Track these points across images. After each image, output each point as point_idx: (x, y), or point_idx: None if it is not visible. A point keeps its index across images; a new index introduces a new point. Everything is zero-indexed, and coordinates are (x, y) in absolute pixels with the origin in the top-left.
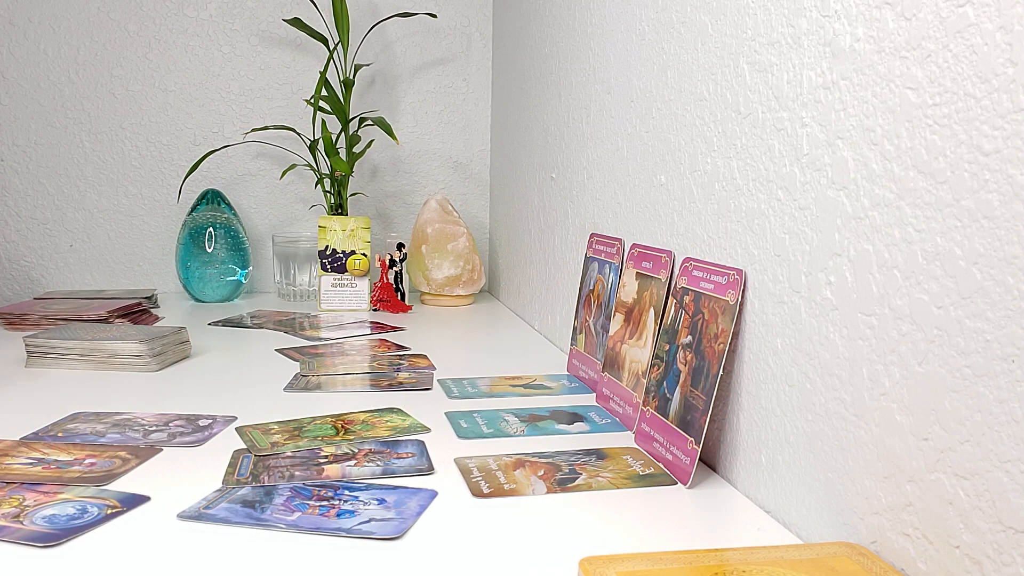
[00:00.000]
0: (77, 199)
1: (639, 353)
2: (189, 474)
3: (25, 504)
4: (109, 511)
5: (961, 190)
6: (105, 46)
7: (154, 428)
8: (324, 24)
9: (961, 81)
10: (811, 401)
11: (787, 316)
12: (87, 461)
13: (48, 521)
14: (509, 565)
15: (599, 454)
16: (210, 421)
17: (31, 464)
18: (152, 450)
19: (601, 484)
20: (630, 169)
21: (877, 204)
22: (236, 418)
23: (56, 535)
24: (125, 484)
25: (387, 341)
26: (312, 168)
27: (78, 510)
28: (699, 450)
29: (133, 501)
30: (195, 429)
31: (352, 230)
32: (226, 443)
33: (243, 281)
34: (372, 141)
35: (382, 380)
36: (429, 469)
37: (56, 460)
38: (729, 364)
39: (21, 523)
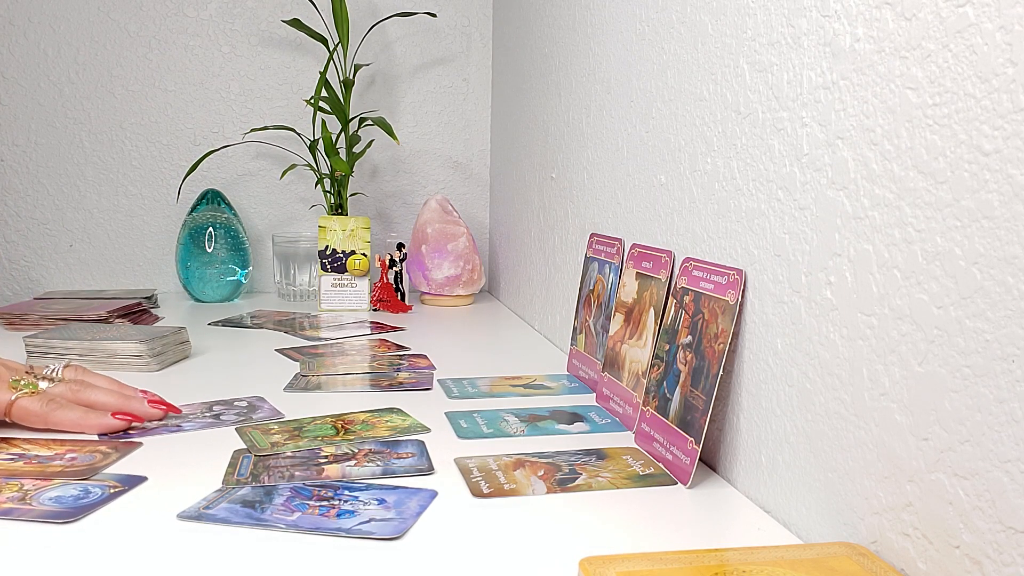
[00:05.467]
0: (77, 199)
1: (639, 353)
2: (189, 474)
3: (26, 488)
4: (111, 491)
5: (961, 190)
6: (105, 46)
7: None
8: (324, 24)
9: (961, 81)
10: (811, 401)
11: (787, 316)
12: (68, 456)
13: (56, 501)
14: (509, 565)
15: (599, 454)
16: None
17: (11, 460)
18: (131, 444)
19: (601, 484)
20: (630, 169)
21: (877, 204)
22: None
23: (71, 512)
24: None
25: (387, 341)
26: (312, 168)
27: (81, 491)
28: (699, 450)
29: (132, 481)
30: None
31: (352, 230)
32: (226, 443)
33: (243, 281)
34: (372, 141)
35: (382, 380)
36: (429, 469)
37: (37, 455)
38: (729, 364)
39: (30, 504)
